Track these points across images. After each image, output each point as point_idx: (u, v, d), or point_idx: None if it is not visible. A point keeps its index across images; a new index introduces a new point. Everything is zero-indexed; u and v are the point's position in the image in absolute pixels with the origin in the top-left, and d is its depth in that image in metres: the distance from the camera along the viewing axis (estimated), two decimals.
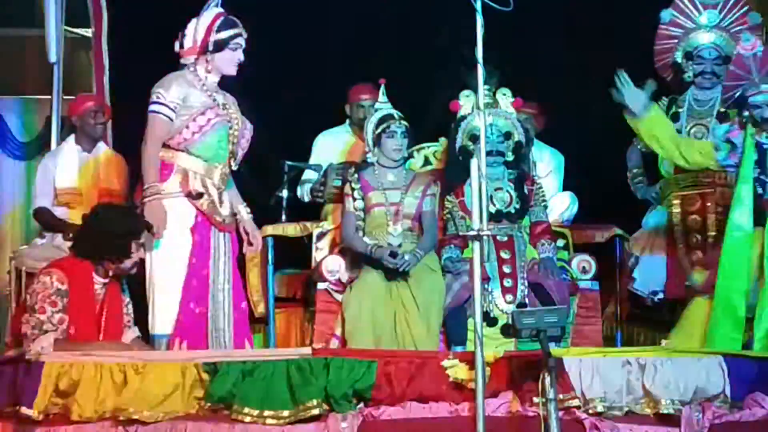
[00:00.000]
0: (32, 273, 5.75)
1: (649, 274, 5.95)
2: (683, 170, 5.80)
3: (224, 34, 5.41)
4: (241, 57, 5.47)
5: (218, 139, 5.37)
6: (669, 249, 5.87)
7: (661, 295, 5.97)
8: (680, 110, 5.94)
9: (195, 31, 5.41)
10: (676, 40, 6.01)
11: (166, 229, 5.18)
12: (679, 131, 5.88)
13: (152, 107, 5.35)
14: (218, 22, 5.41)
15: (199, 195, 5.29)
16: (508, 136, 5.90)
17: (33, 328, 4.83)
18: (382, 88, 5.95)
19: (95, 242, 5.05)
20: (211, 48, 5.40)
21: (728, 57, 5.80)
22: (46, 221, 6.42)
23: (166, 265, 5.23)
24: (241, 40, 5.46)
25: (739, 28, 5.90)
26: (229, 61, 5.44)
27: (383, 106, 5.91)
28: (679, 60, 6.00)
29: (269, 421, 4.44)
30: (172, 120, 5.31)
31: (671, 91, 6.12)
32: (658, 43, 6.06)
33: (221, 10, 5.45)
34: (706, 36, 5.88)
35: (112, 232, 5.04)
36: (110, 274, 5.08)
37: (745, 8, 5.97)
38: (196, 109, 5.34)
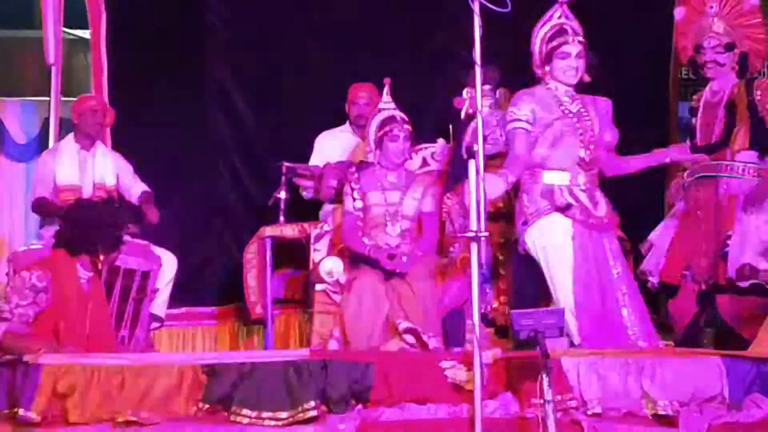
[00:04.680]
0: None
1: (658, 258, 5.90)
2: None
3: (551, 44, 5.33)
4: (575, 64, 5.31)
5: (570, 146, 5.31)
6: (680, 233, 5.81)
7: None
8: (699, 105, 5.93)
9: (534, 42, 5.37)
10: (689, 36, 6.02)
11: (552, 246, 5.21)
12: (695, 126, 5.86)
13: (508, 126, 5.35)
14: (549, 32, 5.34)
15: (568, 206, 5.26)
16: None
17: None
18: (387, 88, 5.94)
19: (86, 236, 5.05)
20: (544, 58, 5.36)
21: (731, 44, 5.80)
22: (47, 209, 6.42)
23: (555, 279, 5.22)
24: (570, 48, 5.30)
25: (736, 12, 5.91)
26: (562, 70, 5.34)
27: (387, 106, 5.91)
28: (692, 54, 6.00)
29: (267, 422, 4.43)
30: (530, 132, 5.29)
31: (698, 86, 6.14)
32: (680, 42, 6.08)
33: (562, 20, 5.34)
34: (707, 26, 5.89)
35: (106, 224, 5.07)
36: (99, 267, 5.09)
37: None
38: (545, 122, 5.30)
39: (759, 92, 5.71)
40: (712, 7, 5.86)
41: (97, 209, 5.24)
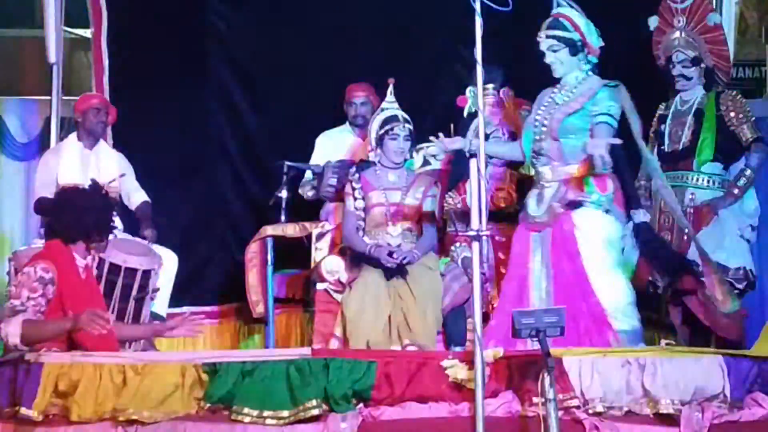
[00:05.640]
0: None
1: None
2: (666, 168, 5.90)
3: None
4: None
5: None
6: None
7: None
8: (668, 113, 6.04)
9: None
10: (660, 47, 6.14)
11: None
12: (662, 133, 5.97)
13: None
14: None
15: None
16: (513, 136, 5.91)
17: (7, 316, 4.81)
18: (390, 88, 5.93)
19: (77, 221, 5.02)
20: None
21: (697, 59, 5.97)
22: (47, 210, 6.43)
23: None
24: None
25: (701, 28, 6.00)
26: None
27: (390, 106, 5.90)
28: (664, 64, 6.11)
29: (269, 421, 4.43)
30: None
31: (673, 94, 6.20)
32: (655, 50, 6.19)
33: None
34: (675, 40, 6.01)
35: (94, 207, 5.05)
36: (91, 253, 5.08)
37: (709, 11, 6.05)
38: None
39: (724, 107, 5.85)
40: (679, 21, 5.99)
41: (84, 194, 5.23)
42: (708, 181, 5.87)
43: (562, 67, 5.35)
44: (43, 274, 4.85)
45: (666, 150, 5.97)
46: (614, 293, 5.20)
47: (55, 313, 4.90)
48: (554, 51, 5.33)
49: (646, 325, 6.69)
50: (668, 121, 6.03)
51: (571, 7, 5.32)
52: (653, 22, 6.14)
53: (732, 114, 5.89)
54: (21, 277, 4.90)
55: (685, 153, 5.90)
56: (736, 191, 5.83)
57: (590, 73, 5.34)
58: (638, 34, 6.39)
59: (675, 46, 6.00)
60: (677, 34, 6.01)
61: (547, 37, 5.33)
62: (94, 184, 5.40)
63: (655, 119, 6.14)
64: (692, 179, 5.88)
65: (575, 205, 5.25)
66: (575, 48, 5.30)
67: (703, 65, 5.98)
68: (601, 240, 5.22)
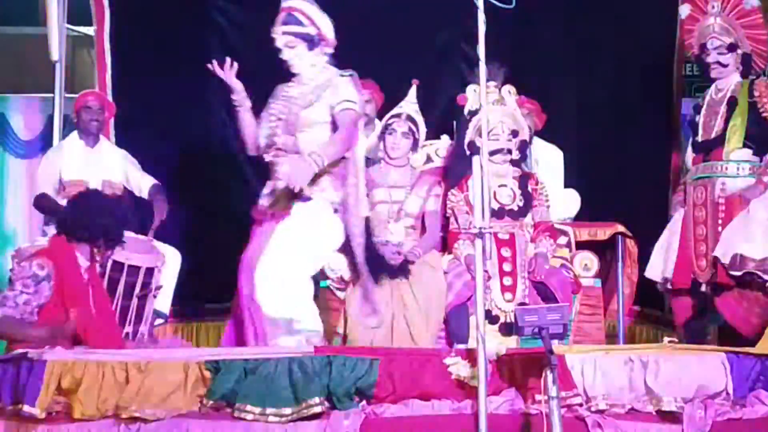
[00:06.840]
0: None
1: (662, 262, 5.98)
2: (699, 159, 5.87)
3: None
4: None
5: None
6: (681, 239, 5.89)
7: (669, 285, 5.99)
8: (702, 103, 5.97)
9: None
10: (693, 34, 6.06)
11: None
12: (696, 123, 5.92)
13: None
14: None
15: None
16: (515, 133, 5.90)
17: None
18: (413, 89, 5.93)
19: (93, 225, 5.03)
20: None
21: (733, 45, 5.84)
22: (47, 206, 6.44)
23: None
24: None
25: (737, 12, 5.93)
26: None
27: (405, 104, 5.90)
28: (697, 53, 6.03)
29: (271, 418, 4.43)
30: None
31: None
32: (685, 39, 6.11)
33: None
34: (710, 26, 5.92)
35: (111, 215, 5.06)
36: (96, 258, 5.09)
37: None
38: None
39: (757, 93, 5.76)
40: (714, 7, 5.90)
41: (108, 202, 5.24)
42: (737, 168, 5.72)
43: (301, 63, 5.21)
44: (38, 270, 4.86)
45: (699, 140, 5.90)
46: (281, 290, 5.06)
47: (54, 311, 4.91)
48: (291, 47, 5.19)
49: (649, 322, 6.74)
50: (702, 111, 5.94)
51: None
52: (684, 10, 6.05)
53: (765, 100, 5.75)
54: (17, 269, 4.92)
55: (716, 142, 5.82)
56: (766, 179, 5.67)
57: (327, 65, 5.22)
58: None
59: (710, 33, 5.88)
60: (712, 20, 5.88)
61: (283, 33, 5.17)
62: (120, 197, 5.43)
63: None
64: (721, 168, 5.79)
65: (304, 199, 5.13)
66: (312, 42, 5.18)
67: (739, 51, 5.85)
68: (309, 236, 5.09)
